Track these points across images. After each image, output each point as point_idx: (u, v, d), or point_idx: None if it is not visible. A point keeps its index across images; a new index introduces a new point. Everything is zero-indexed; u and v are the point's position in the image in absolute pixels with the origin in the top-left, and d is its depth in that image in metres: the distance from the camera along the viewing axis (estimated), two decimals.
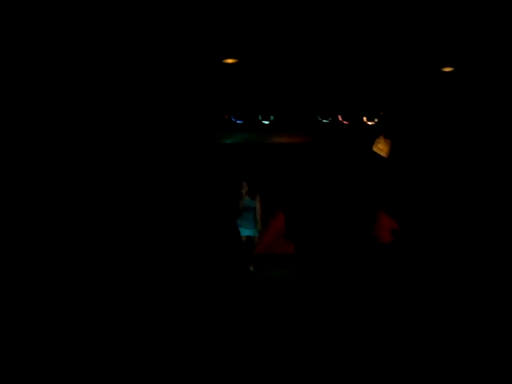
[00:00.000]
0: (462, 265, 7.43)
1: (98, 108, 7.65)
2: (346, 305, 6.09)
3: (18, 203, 7.63)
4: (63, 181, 7.79)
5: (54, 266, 7.65)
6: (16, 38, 5.26)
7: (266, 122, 8.27)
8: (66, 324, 5.73)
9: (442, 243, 8.36)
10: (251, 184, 8.23)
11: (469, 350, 4.54)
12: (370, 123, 8.48)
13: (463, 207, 8.76)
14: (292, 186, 9.41)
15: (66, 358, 4.58)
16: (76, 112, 7.52)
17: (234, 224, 8.17)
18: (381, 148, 9.04)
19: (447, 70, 6.87)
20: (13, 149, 7.54)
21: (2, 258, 7.08)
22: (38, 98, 6.86)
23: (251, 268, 8.14)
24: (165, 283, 7.39)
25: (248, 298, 6.78)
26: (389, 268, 7.95)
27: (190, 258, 8.27)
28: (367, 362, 4.31)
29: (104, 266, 7.79)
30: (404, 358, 4.39)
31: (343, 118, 8.44)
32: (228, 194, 8.69)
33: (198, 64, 6.46)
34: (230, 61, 6.35)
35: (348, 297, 6.48)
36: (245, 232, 8.12)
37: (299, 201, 9.42)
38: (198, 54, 6.12)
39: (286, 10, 5.04)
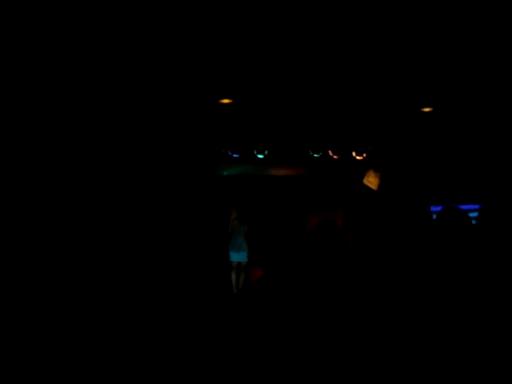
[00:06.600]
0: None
1: (104, 139, 8.19)
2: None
3: (18, 205, 8.02)
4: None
5: (54, 267, 7.99)
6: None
7: (261, 156, 8.79)
8: (65, 324, 6.03)
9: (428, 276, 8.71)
10: (241, 211, 8.58)
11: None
12: (358, 158, 8.98)
13: (450, 235, 9.13)
14: (284, 216, 9.82)
15: (66, 358, 4.80)
16: (85, 147, 8.12)
17: (224, 248, 8.58)
18: (371, 181, 9.47)
19: (426, 110, 7.42)
20: (22, 155, 8.01)
21: (2, 258, 7.39)
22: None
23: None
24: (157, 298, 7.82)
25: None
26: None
27: (182, 279, 8.73)
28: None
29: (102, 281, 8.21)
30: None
31: (333, 153, 8.94)
32: (219, 220, 9.14)
33: (197, 104, 7.02)
34: (225, 101, 6.90)
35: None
36: (235, 257, 8.44)
37: (290, 231, 9.81)
38: (197, 96, 6.68)
39: (275, 53, 5.39)
